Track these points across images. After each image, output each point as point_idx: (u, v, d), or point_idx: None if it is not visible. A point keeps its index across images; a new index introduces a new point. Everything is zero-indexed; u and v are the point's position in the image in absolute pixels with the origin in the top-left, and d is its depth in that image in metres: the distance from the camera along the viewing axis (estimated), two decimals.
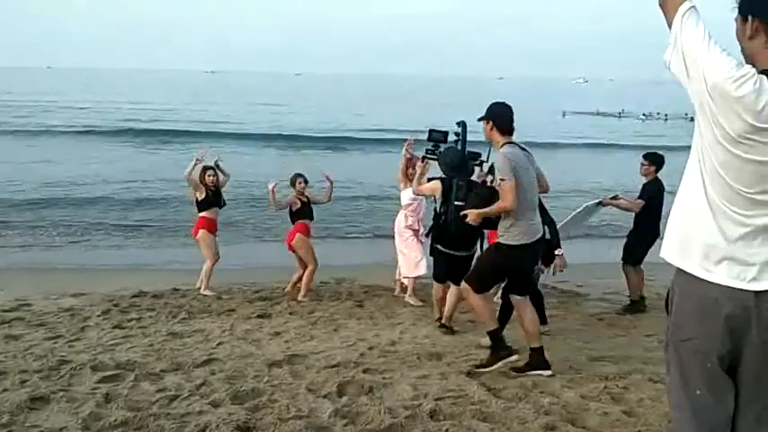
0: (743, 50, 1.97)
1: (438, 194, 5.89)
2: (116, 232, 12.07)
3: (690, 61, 1.88)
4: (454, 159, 5.72)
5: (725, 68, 1.82)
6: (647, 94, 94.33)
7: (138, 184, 16.87)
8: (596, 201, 7.30)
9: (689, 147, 2.02)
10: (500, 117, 4.70)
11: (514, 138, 4.74)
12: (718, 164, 1.89)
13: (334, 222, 12.64)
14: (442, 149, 5.96)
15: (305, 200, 7.62)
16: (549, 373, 4.73)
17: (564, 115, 53.12)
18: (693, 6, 1.91)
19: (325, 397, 4.31)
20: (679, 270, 2.05)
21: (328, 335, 5.98)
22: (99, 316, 6.54)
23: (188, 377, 4.70)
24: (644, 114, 51.22)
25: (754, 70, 1.83)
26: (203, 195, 7.76)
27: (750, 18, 1.92)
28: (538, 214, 4.80)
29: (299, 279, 7.61)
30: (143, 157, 22.84)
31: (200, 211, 7.82)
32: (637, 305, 7.02)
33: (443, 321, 6.11)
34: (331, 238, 11.63)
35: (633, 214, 6.96)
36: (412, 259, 7.20)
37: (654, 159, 6.92)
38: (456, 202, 5.51)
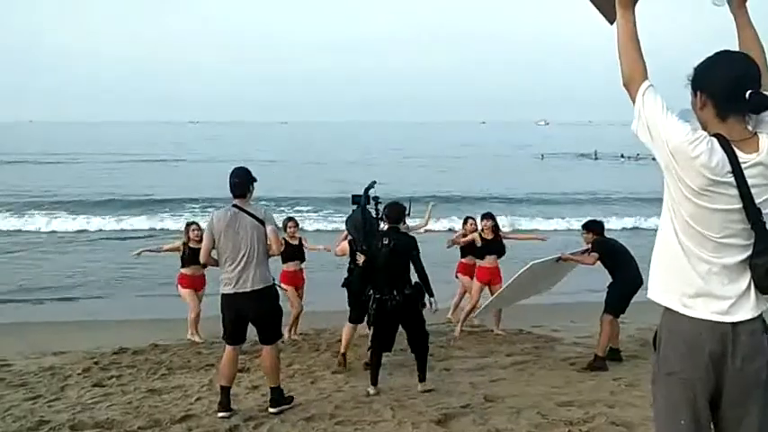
0: (698, 119, 2.28)
1: (348, 252, 6.63)
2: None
3: (653, 130, 2.20)
4: (358, 221, 6.36)
5: (681, 133, 2.14)
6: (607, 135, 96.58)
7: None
8: (554, 257, 7.21)
9: None
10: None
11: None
12: (687, 216, 2.17)
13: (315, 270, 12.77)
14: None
15: (295, 242, 8.07)
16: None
17: (542, 158, 54.21)
18: (651, 85, 2.25)
19: None
20: (665, 308, 2.29)
21: (305, 388, 6.10)
22: (79, 374, 6.62)
23: None
24: (621, 156, 52.23)
25: (705, 133, 2.16)
26: (181, 254, 8.07)
27: (699, 92, 2.25)
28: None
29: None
30: None
31: (181, 266, 8.05)
32: (600, 361, 6.67)
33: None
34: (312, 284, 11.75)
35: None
36: None
37: (591, 227, 7.19)
38: (358, 261, 6.23)
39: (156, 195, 27.00)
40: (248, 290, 5.21)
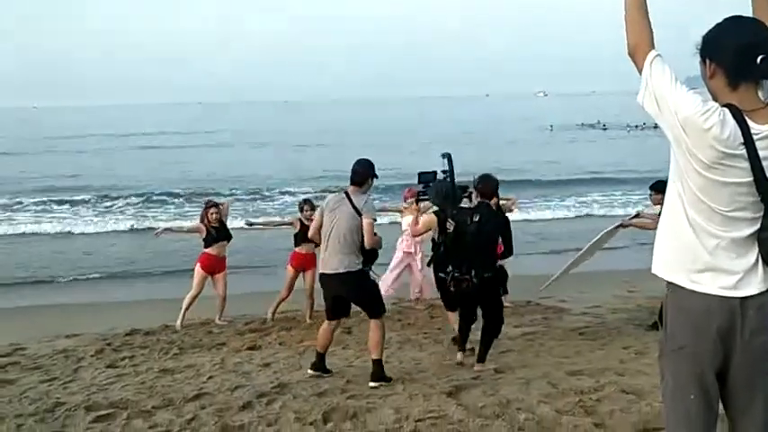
0: (708, 89, 2.22)
1: (434, 226, 6.13)
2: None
3: (661, 101, 2.13)
4: (443, 190, 6.11)
5: (692, 104, 2.07)
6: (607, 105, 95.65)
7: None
8: (615, 224, 7.11)
9: None
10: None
11: None
12: (696, 188, 2.12)
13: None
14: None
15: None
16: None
17: (551, 129, 53.90)
18: (659, 54, 2.18)
19: (311, 425, 4.48)
20: (669, 283, 2.25)
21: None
22: (93, 356, 6.70)
23: (179, 412, 4.85)
24: (628, 126, 51.85)
25: (717, 104, 2.09)
26: (205, 234, 8.09)
27: (708, 61, 2.18)
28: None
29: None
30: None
31: (205, 247, 8.14)
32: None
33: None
34: None
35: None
36: (386, 277, 7.96)
37: (660, 188, 7.07)
38: (450, 231, 5.77)
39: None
40: (330, 272, 5.47)
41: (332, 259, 5.45)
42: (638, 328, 7.03)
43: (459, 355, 5.94)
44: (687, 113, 2.07)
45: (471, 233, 5.57)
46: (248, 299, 8.73)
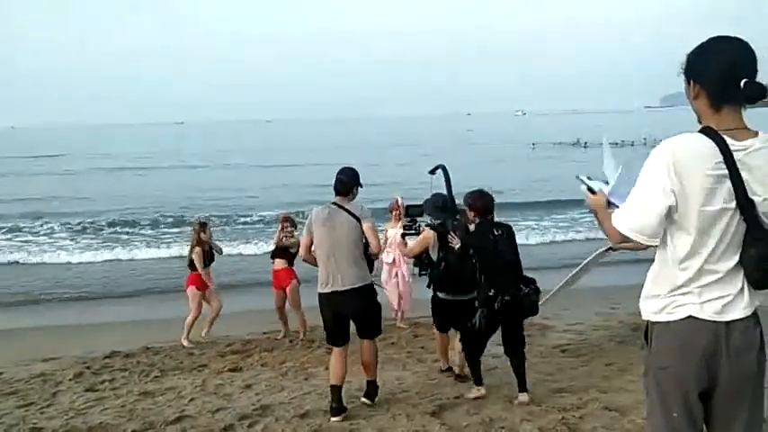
0: (692, 108, 2.25)
1: (432, 242, 5.69)
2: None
3: (677, 215, 2.15)
4: (439, 201, 5.83)
5: (667, 174, 2.11)
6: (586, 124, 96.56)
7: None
8: (605, 248, 7.13)
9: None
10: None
11: None
12: (685, 221, 2.15)
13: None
14: (419, 223, 6.10)
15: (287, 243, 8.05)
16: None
17: (533, 147, 54.42)
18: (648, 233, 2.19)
19: None
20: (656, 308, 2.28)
21: (298, 384, 6.10)
22: (71, 380, 6.58)
23: None
24: (610, 143, 52.31)
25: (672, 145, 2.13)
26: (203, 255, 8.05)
27: (692, 82, 2.21)
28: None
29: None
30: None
31: (193, 269, 8.07)
32: None
33: (458, 371, 5.94)
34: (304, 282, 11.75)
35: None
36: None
37: None
38: (455, 245, 5.47)
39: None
40: (344, 288, 5.06)
41: (344, 274, 5.04)
42: (621, 345, 7.05)
43: (482, 390, 5.36)
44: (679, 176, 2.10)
45: (503, 246, 5.13)
46: (229, 320, 8.63)
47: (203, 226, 8.21)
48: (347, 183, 5.22)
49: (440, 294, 5.77)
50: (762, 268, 2.14)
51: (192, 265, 8.07)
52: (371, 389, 5.37)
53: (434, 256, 5.71)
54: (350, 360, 5.29)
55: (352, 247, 5.07)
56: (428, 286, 5.87)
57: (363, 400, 5.31)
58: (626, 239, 2.22)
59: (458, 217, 5.72)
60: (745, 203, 2.10)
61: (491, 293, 5.02)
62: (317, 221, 5.15)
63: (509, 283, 5.07)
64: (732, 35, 2.20)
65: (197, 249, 8.00)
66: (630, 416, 4.59)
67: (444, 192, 5.92)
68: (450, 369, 6.07)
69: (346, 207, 5.13)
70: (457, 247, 5.46)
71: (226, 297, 8.70)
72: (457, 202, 5.82)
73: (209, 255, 8.10)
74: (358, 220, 5.08)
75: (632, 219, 2.20)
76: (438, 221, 5.77)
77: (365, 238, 5.11)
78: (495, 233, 5.16)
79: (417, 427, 4.69)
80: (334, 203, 5.19)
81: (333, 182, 5.25)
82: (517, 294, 5.05)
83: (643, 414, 4.36)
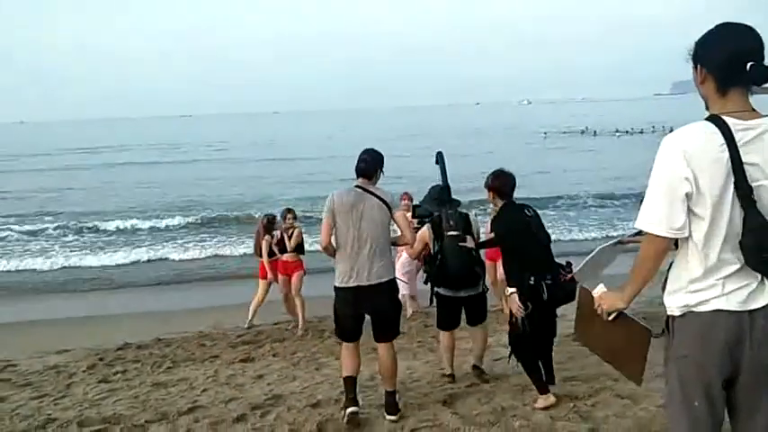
0: (699, 93, 2.27)
1: (429, 238, 5.37)
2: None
3: (694, 205, 2.15)
4: (433, 192, 5.51)
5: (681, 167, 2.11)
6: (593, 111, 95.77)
7: None
8: (614, 241, 6.86)
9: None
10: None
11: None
12: (703, 213, 2.15)
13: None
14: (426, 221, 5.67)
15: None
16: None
17: (545, 135, 54.29)
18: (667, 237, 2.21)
19: None
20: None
21: (310, 374, 6.13)
22: (84, 371, 6.65)
23: (173, 426, 4.82)
24: (617, 131, 52.27)
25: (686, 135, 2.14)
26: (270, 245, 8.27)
27: (699, 67, 2.23)
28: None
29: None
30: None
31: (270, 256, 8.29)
32: None
33: (475, 363, 5.67)
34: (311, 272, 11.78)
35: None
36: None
37: None
38: (450, 233, 5.13)
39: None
40: (370, 283, 4.56)
41: (371, 266, 4.53)
42: None
43: (551, 398, 4.74)
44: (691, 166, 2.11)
45: (535, 228, 4.71)
46: (240, 311, 8.66)
47: (273, 219, 8.45)
48: (372, 163, 4.70)
49: (439, 290, 5.45)
50: (762, 261, 2.13)
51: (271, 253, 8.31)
52: (392, 400, 4.78)
53: (434, 251, 5.38)
54: (361, 349, 5.26)
55: (381, 236, 4.59)
56: (425, 283, 5.52)
57: (388, 417, 4.71)
58: (659, 254, 2.25)
59: (455, 206, 5.40)
60: (743, 189, 2.10)
61: (531, 281, 4.55)
62: (340, 207, 4.56)
63: (548, 269, 4.63)
64: (739, 22, 2.21)
65: (266, 238, 8.25)
66: (642, 404, 4.57)
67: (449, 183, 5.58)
68: (452, 375, 5.59)
69: (372, 191, 4.63)
70: (449, 232, 5.11)
71: (238, 288, 8.77)
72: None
73: (279, 245, 8.25)
74: (388, 206, 4.62)
75: (658, 215, 2.19)
76: (436, 213, 5.42)
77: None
78: (528, 215, 4.72)
79: (429, 416, 4.69)
80: (358, 186, 4.66)
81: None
82: (557, 281, 4.60)
83: (655, 402, 4.39)
